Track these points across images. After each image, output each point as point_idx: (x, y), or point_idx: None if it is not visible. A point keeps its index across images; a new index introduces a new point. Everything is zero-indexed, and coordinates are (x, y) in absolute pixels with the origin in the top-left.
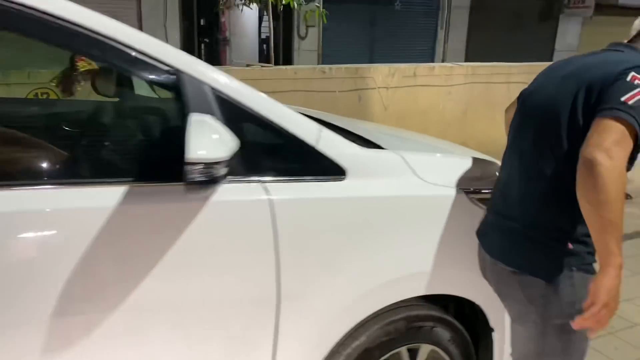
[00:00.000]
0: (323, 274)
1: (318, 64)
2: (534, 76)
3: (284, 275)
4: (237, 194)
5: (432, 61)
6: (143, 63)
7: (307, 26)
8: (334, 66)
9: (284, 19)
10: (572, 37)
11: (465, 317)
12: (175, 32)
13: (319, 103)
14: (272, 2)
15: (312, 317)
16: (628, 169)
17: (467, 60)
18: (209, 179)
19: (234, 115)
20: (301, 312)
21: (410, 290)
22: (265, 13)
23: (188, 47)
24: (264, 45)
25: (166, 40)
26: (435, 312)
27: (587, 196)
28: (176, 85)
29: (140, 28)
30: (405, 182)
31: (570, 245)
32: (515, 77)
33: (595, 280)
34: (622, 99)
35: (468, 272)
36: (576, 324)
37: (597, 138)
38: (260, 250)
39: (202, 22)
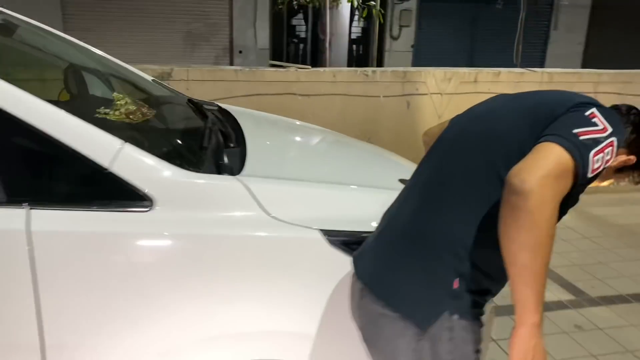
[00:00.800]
0: (107, 324)
1: (411, 65)
2: (629, 86)
3: (47, 323)
4: None
5: (543, 66)
6: None
7: (401, 26)
8: (378, 69)
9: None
10: None
11: None
12: (265, 32)
13: (361, 108)
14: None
15: None
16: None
17: (584, 66)
18: None
19: None
20: None
21: (227, 352)
22: (356, 13)
23: (277, 46)
24: (353, 46)
25: (255, 40)
26: None
27: (508, 233)
28: None
29: (231, 27)
30: (239, 217)
31: (456, 284)
32: (605, 86)
33: (510, 341)
34: (575, 130)
35: (312, 338)
36: None
37: (534, 163)
38: (12, 290)
39: (292, 21)
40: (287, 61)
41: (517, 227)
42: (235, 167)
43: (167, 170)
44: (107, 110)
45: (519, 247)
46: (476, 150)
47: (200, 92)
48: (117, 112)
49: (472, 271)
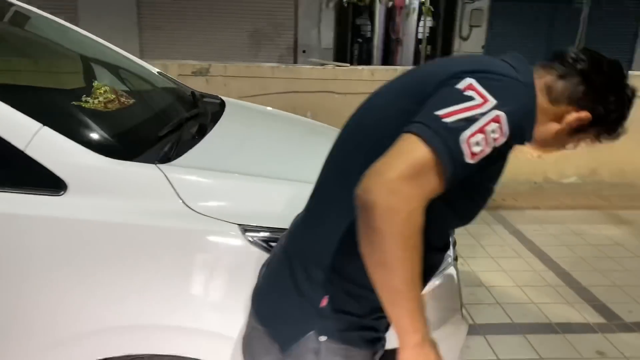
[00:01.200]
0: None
1: None
2: None
3: None
4: None
5: (630, 68)
6: None
7: (471, 26)
8: None
9: (445, 18)
10: None
11: None
12: (329, 31)
13: None
14: None
15: None
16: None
17: None
18: None
19: None
20: None
21: (133, 345)
22: (424, 12)
23: (341, 46)
24: (419, 46)
25: (319, 40)
26: None
27: (363, 251)
28: None
29: (296, 27)
30: (154, 206)
31: (324, 302)
32: None
33: None
34: (438, 112)
35: (224, 339)
36: None
37: (382, 165)
38: None
39: (357, 21)
40: (351, 62)
41: (369, 245)
42: (176, 156)
43: (83, 155)
44: (87, 99)
45: (374, 266)
46: (351, 148)
47: (237, 88)
48: (96, 101)
49: (349, 288)
